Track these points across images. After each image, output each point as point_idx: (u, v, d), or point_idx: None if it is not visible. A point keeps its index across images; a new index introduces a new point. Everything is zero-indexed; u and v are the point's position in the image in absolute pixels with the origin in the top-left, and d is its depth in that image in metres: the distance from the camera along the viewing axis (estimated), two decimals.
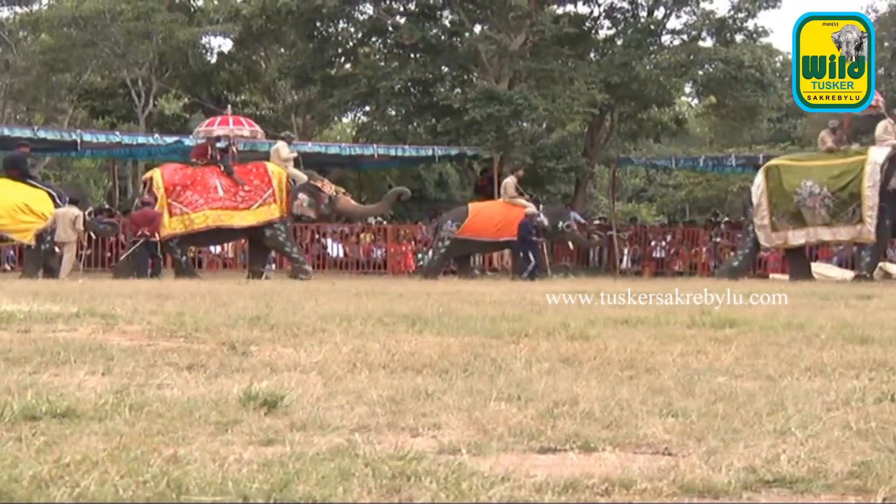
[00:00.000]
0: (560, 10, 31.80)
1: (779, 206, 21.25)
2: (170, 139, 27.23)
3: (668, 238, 29.64)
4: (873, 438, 3.87)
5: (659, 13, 32.10)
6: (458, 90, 30.76)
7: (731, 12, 31.35)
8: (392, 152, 28.44)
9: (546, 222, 22.71)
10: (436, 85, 31.19)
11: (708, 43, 31.92)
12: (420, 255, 27.30)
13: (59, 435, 3.77)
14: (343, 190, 22.97)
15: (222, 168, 21.15)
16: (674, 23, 32.27)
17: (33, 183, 20.71)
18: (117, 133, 28.65)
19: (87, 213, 21.22)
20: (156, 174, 21.09)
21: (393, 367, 5.73)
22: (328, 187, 21.79)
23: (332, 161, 29.15)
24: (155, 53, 32.88)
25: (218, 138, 22.10)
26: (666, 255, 28.76)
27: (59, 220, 19.54)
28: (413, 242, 27.78)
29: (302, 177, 21.45)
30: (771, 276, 24.92)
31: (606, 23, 32.95)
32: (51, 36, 33.56)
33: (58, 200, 20.40)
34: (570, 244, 25.17)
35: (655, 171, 42.50)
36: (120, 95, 34.90)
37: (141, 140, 27.32)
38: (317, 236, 26.73)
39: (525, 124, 29.58)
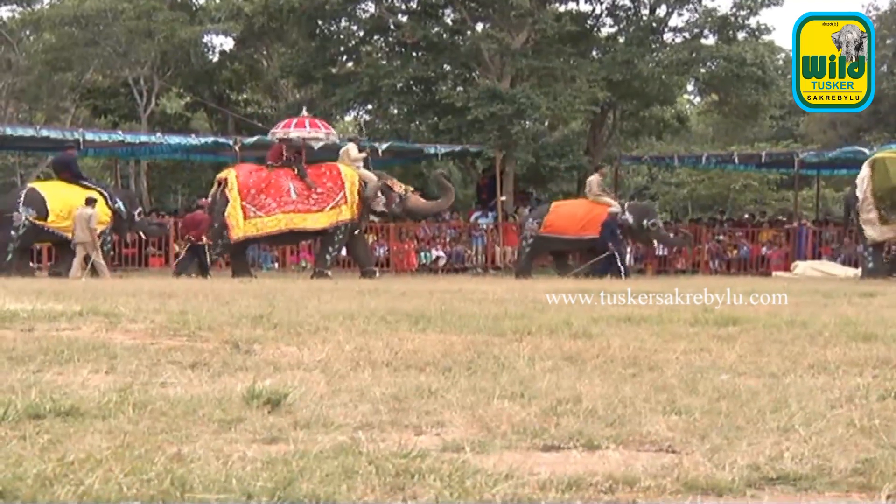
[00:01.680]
0: (562, 8, 31.75)
1: (885, 198, 20.90)
2: (174, 139, 27.22)
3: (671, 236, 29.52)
4: (877, 436, 3.87)
5: (661, 11, 32.06)
6: (460, 89, 30.74)
7: (734, 10, 31.30)
8: (397, 145, 28.36)
9: (631, 220, 22.38)
10: (438, 83, 31.15)
11: (710, 41, 31.89)
12: (423, 254, 27.27)
13: (63, 433, 3.77)
14: (412, 189, 23.03)
15: (296, 171, 21.22)
16: (676, 20, 32.27)
17: (85, 184, 20.94)
18: (119, 132, 28.58)
19: (137, 213, 21.41)
20: (231, 175, 21.08)
21: (396, 366, 5.74)
22: (398, 186, 21.85)
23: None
24: (157, 52, 32.83)
25: (291, 140, 22.20)
26: (668, 253, 28.68)
27: (76, 220, 19.65)
28: (416, 241, 27.75)
29: (372, 178, 21.49)
30: (774, 273, 24.89)
31: (608, 20, 32.93)
32: (53, 35, 33.51)
33: (109, 201, 20.64)
34: (656, 242, 24.80)
35: (658, 169, 42.49)
36: (122, 94, 34.86)
37: (143, 139, 27.30)
38: None
39: (527, 123, 29.55)
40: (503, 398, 4.62)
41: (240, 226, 20.54)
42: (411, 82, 30.94)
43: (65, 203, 20.15)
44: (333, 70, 32.98)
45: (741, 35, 31.76)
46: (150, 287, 13.59)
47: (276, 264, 24.95)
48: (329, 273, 20.90)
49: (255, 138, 26.68)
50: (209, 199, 21.49)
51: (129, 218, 21.04)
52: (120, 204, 20.83)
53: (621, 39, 31.96)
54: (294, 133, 22.55)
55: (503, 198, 28.22)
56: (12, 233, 19.91)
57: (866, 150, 27.06)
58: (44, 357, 5.81)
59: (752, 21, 31.65)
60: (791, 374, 5.53)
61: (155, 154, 29.92)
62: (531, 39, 29.88)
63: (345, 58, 33.94)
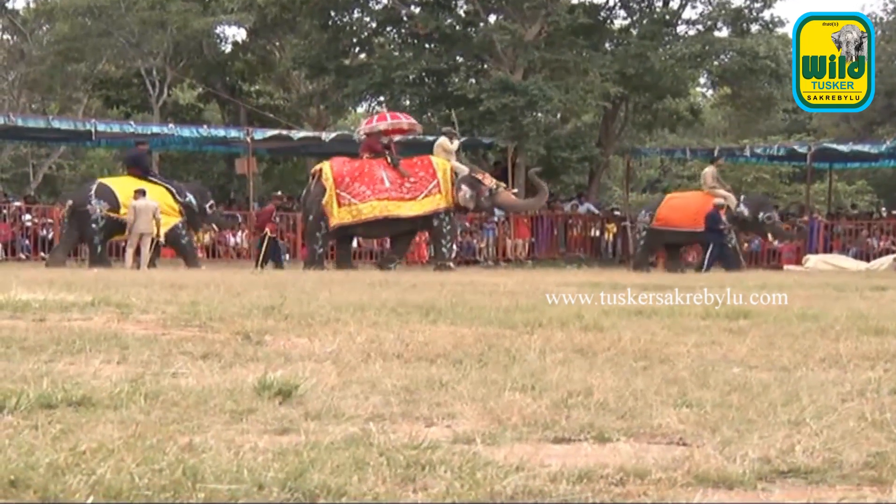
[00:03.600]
0: (575, 0, 31.72)
1: None
2: (186, 130, 27.29)
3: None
4: (888, 430, 3.86)
5: (674, 3, 32.04)
6: (472, 80, 30.73)
7: (747, 2, 31.26)
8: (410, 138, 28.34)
9: (746, 213, 22.20)
10: (450, 75, 31.13)
11: (723, 33, 31.84)
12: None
13: (75, 423, 3.78)
14: (504, 184, 23.03)
15: (388, 160, 21.34)
16: (689, 13, 32.24)
17: (154, 179, 21.25)
18: (132, 123, 28.67)
19: (209, 206, 21.65)
20: (325, 166, 21.36)
21: (407, 357, 5.74)
22: (489, 180, 21.88)
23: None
24: (169, 43, 32.88)
25: (380, 133, 22.36)
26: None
27: (140, 212, 19.89)
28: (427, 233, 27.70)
29: (464, 169, 21.61)
30: (785, 267, 24.86)
31: (621, 13, 32.91)
32: (66, 25, 33.56)
33: (178, 196, 21.00)
34: (771, 235, 24.69)
35: (670, 162, 42.41)
36: (134, 85, 34.94)
37: (155, 130, 27.37)
38: None
39: (539, 115, 29.53)
40: (514, 390, 4.62)
41: (335, 214, 20.76)
42: (424, 74, 30.94)
43: (131, 197, 20.39)
44: (346, 61, 33.00)
45: (755, 28, 31.70)
46: (161, 278, 13.62)
47: (288, 255, 24.96)
48: (451, 265, 21.08)
49: (269, 133, 26.75)
50: (303, 192, 21.87)
51: (200, 211, 21.30)
52: (190, 197, 21.21)
53: (634, 32, 31.89)
54: (380, 126, 22.68)
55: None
56: (93, 225, 20.35)
57: (876, 150, 27.04)
58: (55, 347, 5.83)
59: (766, 14, 31.64)
60: (802, 368, 5.51)
61: (167, 145, 29.99)
62: (544, 31, 29.85)
63: (357, 49, 33.96)
